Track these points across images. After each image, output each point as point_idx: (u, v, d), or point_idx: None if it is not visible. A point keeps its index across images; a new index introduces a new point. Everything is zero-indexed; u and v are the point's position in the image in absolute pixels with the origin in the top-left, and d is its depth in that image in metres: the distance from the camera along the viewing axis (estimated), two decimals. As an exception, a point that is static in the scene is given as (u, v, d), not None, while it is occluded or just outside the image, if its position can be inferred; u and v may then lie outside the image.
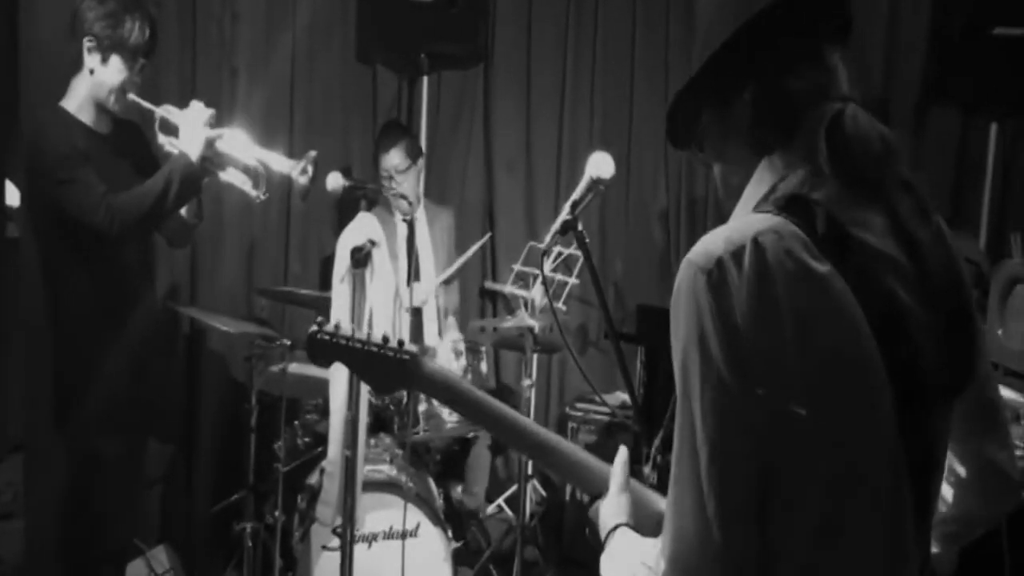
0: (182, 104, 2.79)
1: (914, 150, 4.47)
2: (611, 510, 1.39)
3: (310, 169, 2.67)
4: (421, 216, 4.21)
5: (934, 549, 1.37)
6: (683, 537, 1.14)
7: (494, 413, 1.52)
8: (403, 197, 3.69)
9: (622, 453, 1.45)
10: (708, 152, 1.31)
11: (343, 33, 4.42)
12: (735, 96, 1.21)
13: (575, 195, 1.91)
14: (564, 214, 1.91)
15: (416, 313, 4.17)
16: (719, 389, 1.10)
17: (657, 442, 1.50)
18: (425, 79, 4.50)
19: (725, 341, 1.09)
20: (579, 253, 3.92)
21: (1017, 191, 4.28)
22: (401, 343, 1.53)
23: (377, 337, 1.54)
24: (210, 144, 2.68)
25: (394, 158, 4.00)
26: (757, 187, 1.22)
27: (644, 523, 1.38)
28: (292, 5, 4.26)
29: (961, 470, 1.37)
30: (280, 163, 2.71)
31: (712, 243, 1.13)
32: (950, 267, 1.21)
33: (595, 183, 1.90)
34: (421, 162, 4.17)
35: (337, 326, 1.55)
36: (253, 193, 2.77)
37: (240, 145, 2.74)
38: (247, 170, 2.75)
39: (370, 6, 4.36)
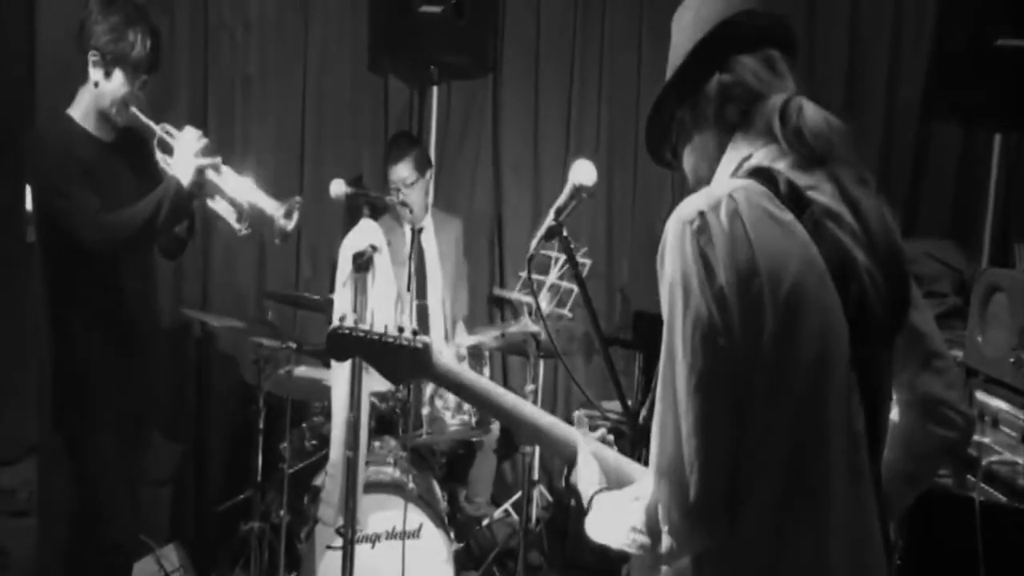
0: (192, 116, 2.86)
1: (918, 162, 4.51)
2: (586, 478, 1.57)
3: (295, 215, 2.74)
4: (429, 225, 4.28)
5: (891, 489, 1.48)
6: (664, 442, 1.29)
7: (498, 402, 1.67)
8: (405, 205, 3.75)
9: (577, 422, 1.66)
10: (680, 146, 1.51)
11: (355, 44, 4.49)
12: (703, 89, 1.44)
13: (559, 202, 1.96)
14: (549, 220, 1.96)
15: (422, 325, 4.23)
16: (701, 320, 1.26)
17: (644, 411, 1.60)
18: (435, 89, 4.57)
19: (706, 279, 1.26)
20: (585, 261, 4.01)
21: (1021, 202, 4.29)
22: (415, 332, 1.66)
23: (392, 328, 1.67)
24: (200, 172, 2.73)
25: (402, 171, 4.07)
26: (727, 167, 1.42)
27: (616, 482, 1.56)
28: (304, 16, 4.33)
29: (912, 410, 1.53)
30: (266, 203, 2.76)
31: (693, 200, 1.33)
32: (887, 226, 1.39)
33: (578, 190, 1.94)
34: (430, 174, 4.24)
35: (356, 321, 1.68)
36: (236, 227, 2.83)
37: (229, 179, 2.80)
38: (233, 203, 2.81)
39: (381, 18, 4.43)
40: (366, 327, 1.67)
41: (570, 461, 1.63)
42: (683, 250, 1.28)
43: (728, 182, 1.36)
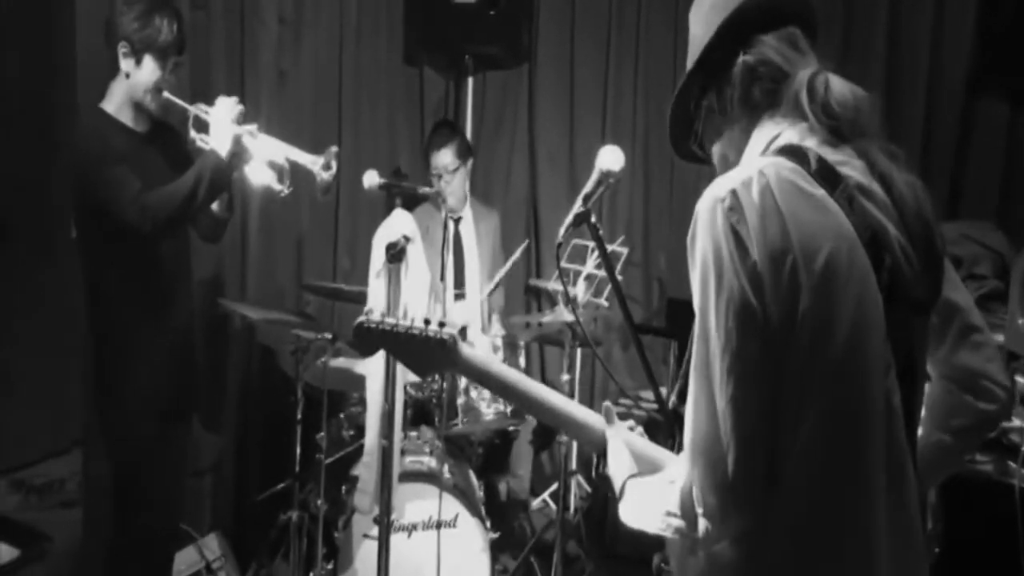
0: (228, 106, 2.90)
1: (961, 143, 4.41)
2: (617, 466, 1.57)
3: (333, 164, 2.78)
4: (468, 215, 4.29)
5: (924, 464, 1.46)
6: (699, 420, 1.29)
7: (527, 393, 1.67)
8: (439, 195, 3.76)
9: (605, 411, 1.66)
10: (708, 138, 1.51)
11: (390, 36, 4.52)
12: (727, 73, 1.43)
13: (586, 188, 1.94)
14: (576, 207, 1.94)
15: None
16: (734, 299, 1.26)
17: (674, 397, 1.59)
18: (470, 80, 4.59)
19: (739, 257, 1.27)
20: (622, 249, 3.99)
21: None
22: (442, 324, 1.66)
23: (419, 320, 1.67)
24: (238, 140, 2.78)
25: (444, 157, 4.09)
26: (755, 148, 1.42)
27: (647, 469, 1.56)
28: (339, 9, 4.36)
29: (950, 384, 1.53)
30: (303, 158, 2.82)
31: (725, 179, 1.33)
32: (918, 200, 1.39)
33: (605, 176, 1.92)
34: (471, 162, 4.25)
35: (383, 313, 1.68)
36: (277, 187, 2.88)
37: (265, 141, 2.85)
38: (272, 165, 2.86)
39: (416, 9, 4.46)
40: (393, 320, 1.67)
41: (601, 450, 1.63)
42: (714, 228, 1.29)
43: (758, 160, 1.37)
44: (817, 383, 1.27)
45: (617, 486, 1.54)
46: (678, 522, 1.34)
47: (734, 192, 1.29)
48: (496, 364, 1.72)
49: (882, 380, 1.30)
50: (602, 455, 1.63)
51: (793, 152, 1.35)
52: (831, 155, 1.35)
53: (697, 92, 1.48)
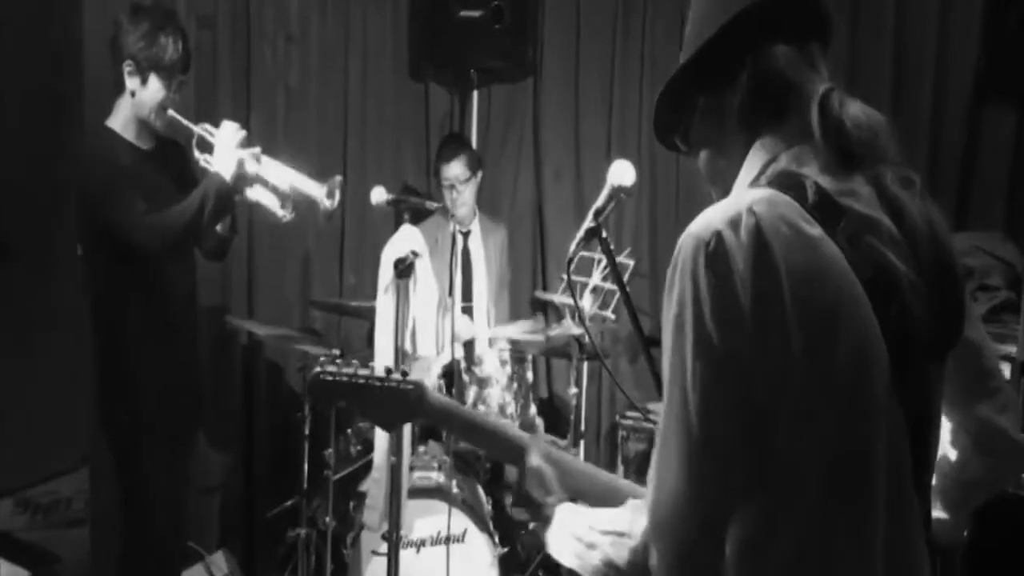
0: (233, 124, 2.90)
1: (968, 147, 4.39)
2: (541, 487, 1.47)
3: (336, 193, 2.78)
4: (476, 229, 4.29)
5: (942, 515, 1.41)
6: (665, 491, 1.18)
7: (492, 436, 1.58)
8: (447, 209, 3.75)
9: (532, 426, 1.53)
10: (696, 139, 1.37)
11: (395, 51, 4.53)
12: (730, 79, 1.28)
13: (598, 203, 1.93)
14: (588, 222, 1.93)
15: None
16: (711, 356, 1.14)
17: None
18: (475, 94, 4.59)
19: (720, 309, 1.14)
20: (628, 261, 3.98)
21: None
22: (404, 374, 1.57)
23: (380, 371, 1.57)
24: (242, 164, 2.79)
25: (456, 168, 4.11)
26: (749, 170, 1.28)
27: (586, 493, 1.45)
28: (345, 25, 4.38)
29: (964, 434, 1.41)
30: (307, 186, 2.83)
31: (710, 216, 1.18)
32: (935, 232, 1.26)
33: (617, 191, 1.91)
34: (480, 174, 4.26)
35: (339, 365, 1.58)
36: (280, 213, 2.88)
37: (270, 166, 2.85)
38: (276, 191, 2.86)
39: (421, 24, 4.47)
40: (350, 371, 1.57)
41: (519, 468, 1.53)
42: (695, 274, 1.15)
43: (748, 193, 1.21)
44: (810, 441, 1.15)
45: (545, 510, 1.44)
46: None
47: (719, 235, 1.14)
48: (463, 410, 1.64)
49: (884, 434, 1.18)
50: (521, 475, 1.52)
51: (790, 182, 1.21)
52: (834, 184, 1.21)
53: (691, 87, 1.34)
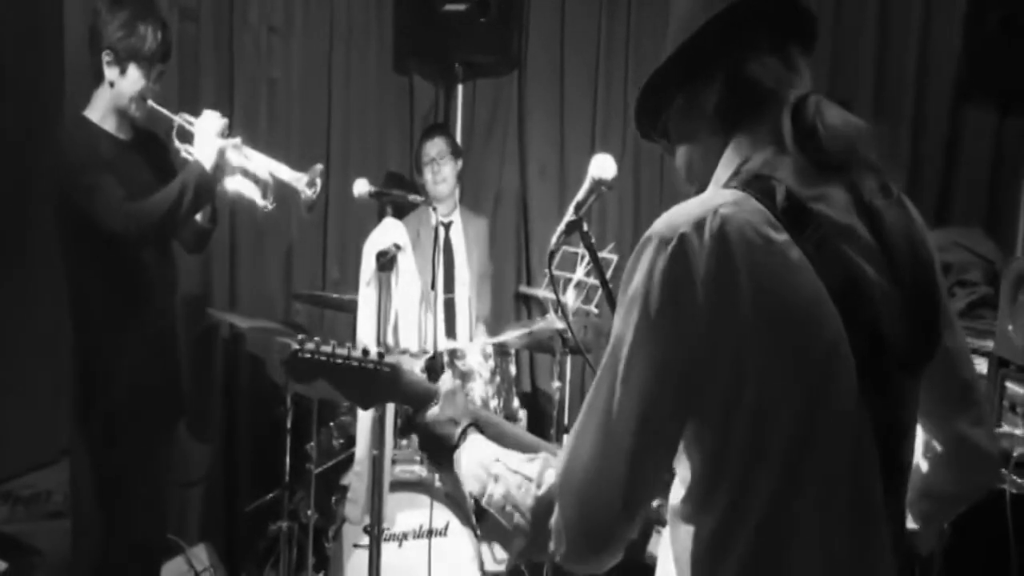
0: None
1: (949, 145, 4.42)
2: (454, 409, 1.48)
3: (318, 182, 2.77)
4: (458, 221, 4.29)
5: (914, 526, 1.39)
6: (578, 459, 1.19)
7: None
8: (428, 203, 3.74)
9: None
10: (674, 136, 1.37)
11: (379, 44, 4.51)
12: (707, 79, 1.28)
13: (579, 196, 1.94)
14: (569, 215, 1.94)
15: (449, 318, 4.25)
16: (654, 355, 1.14)
17: None
18: (460, 87, 4.58)
19: (672, 309, 1.13)
20: (612, 256, 3.99)
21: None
22: (381, 355, 1.56)
23: (357, 351, 1.56)
24: (222, 153, 2.77)
25: (437, 145, 4.17)
26: (724, 169, 1.27)
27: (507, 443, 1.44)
28: (329, 17, 4.35)
29: (936, 446, 1.40)
30: (287, 175, 2.81)
31: (675, 215, 1.18)
32: (913, 242, 1.25)
33: (597, 184, 1.92)
34: (460, 161, 4.27)
35: (318, 343, 1.56)
36: (261, 203, 2.87)
37: (250, 155, 2.84)
38: (257, 180, 2.85)
39: (406, 17, 4.46)
40: (328, 349, 1.56)
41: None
42: (653, 273, 1.15)
43: (717, 195, 1.20)
44: (770, 455, 1.14)
45: (455, 428, 1.45)
46: (521, 521, 1.26)
47: (683, 237, 1.13)
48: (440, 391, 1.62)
49: (847, 449, 1.17)
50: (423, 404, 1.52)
51: (760, 186, 1.19)
52: (807, 188, 1.19)
53: (671, 84, 1.33)
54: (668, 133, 1.38)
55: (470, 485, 1.37)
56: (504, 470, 1.31)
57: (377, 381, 1.55)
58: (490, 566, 3.64)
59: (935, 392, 1.33)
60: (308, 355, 1.55)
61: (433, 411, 1.50)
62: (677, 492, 1.24)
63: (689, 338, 1.13)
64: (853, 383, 1.16)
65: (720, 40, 1.27)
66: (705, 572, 1.20)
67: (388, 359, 1.56)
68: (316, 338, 1.57)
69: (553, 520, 1.22)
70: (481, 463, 1.36)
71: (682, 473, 1.23)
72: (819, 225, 1.17)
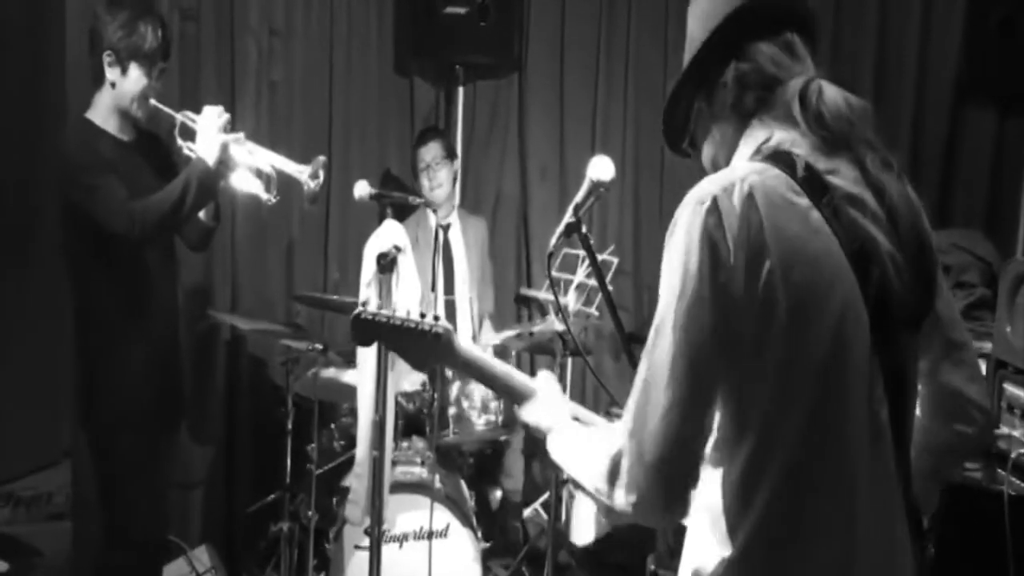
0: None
1: (949, 147, 4.42)
2: (551, 409, 1.62)
3: (320, 174, 2.78)
4: (456, 222, 4.30)
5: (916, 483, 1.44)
6: (641, 421, 1.29)
7: (516, 387, 1.69)
8: (427, 205, 3.77)
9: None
10: (699, 137, 1.50)
11: (380, 46, 4.52)
12: (720, 77, 1.42)
13: (577, 198, 1.96)
14: (567, 217, 1.95)
15: (450, 319, 4.25)
16: (697, 307, 1.25)
17: None
18: (461, 90, 4.58)
19: (712, 265, 1.25)
20: (612, 259, 4.00)
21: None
22: (437, 318, 1.68)
23: (415, 314, 1.69)
24: (225, 148, 2.77)
25: (432, 150, 4.15)
26: (744, 152, 1.41)
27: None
28: (329, 19, 4.36)
29: (932, 403, 1.51)
30: (290, 167, 2.82)
31: (707, 184, 1.31)
32: (912, 211, 1.38)
33: (596, 186, 1.94)
34: (456, 164, 4.28)
35: (379, 306, 1.72)
36: (264, 196, 2.87)
37: (252, 149, 2.85)
38: (259, 174, 2.86)
39: (406, 19, 4.47)
40: (388, 312, 1.69)
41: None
42: (691, 231, 1.27)
43: (744, 165, 1.34)
44: (794, 398, 1.25)
45: (551, 424, 1.57)
46: (601, 484, 1.35)
47: (715, 198, 1.27)
48: (488, 358, 1.73)
49: (865, 395, 1.29)
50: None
51: (781, 158, 1.33)
52: (821, 163, 1.33)
53: (690, 93, 1.47)
54: (695, 140, 1.51)
55: (576, 474, 1.46)
56: (591, 451, 1.42)
57: (432, 342, 1.67)
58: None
59: (931, 351, 1.47)
60: (370, 316, 1.70)
61: (528, 408, 1.64)
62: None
63: (727, 286, 1.24)
64: (867, 336, 1.29)
65: (727, 44, 1.41)
66: (731, 516, 1.29)
67: (443, 323, 1.68)
68: (379, 302, 1.66)
69: (623, 470, 1.31)
70: (577, 452, 1.48)
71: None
72: (835, 194, 1.31)
